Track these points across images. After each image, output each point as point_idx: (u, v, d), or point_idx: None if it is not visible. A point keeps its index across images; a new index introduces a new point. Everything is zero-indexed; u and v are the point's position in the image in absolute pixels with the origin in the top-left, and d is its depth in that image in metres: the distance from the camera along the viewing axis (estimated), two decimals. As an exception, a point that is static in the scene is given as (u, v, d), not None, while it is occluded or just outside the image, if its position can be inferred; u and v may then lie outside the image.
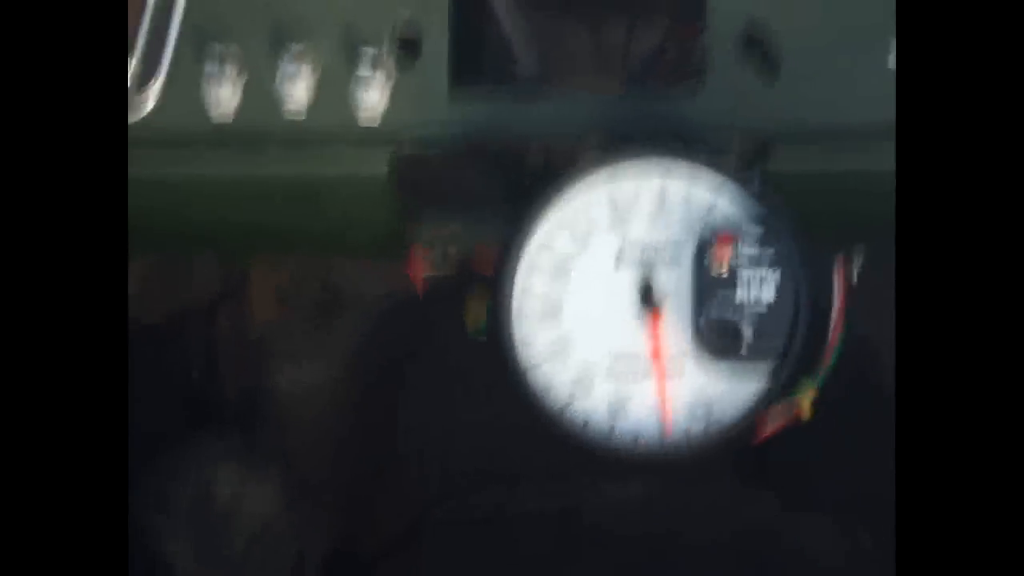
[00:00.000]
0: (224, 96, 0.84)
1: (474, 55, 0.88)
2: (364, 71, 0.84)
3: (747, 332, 0.81)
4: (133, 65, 0.84)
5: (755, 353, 0.81)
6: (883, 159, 0.83)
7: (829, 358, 0.89)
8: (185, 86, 0.84)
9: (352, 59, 0.84)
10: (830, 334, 0.90)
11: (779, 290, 0.81)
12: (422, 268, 0.93)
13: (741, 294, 0.81)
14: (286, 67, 0.84)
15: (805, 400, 0.88)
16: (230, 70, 0.84)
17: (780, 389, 0.83)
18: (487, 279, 0.83)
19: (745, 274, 0.81)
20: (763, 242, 0.81)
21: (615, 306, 0.82)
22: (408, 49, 0.85)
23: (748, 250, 0.81)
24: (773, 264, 0.81)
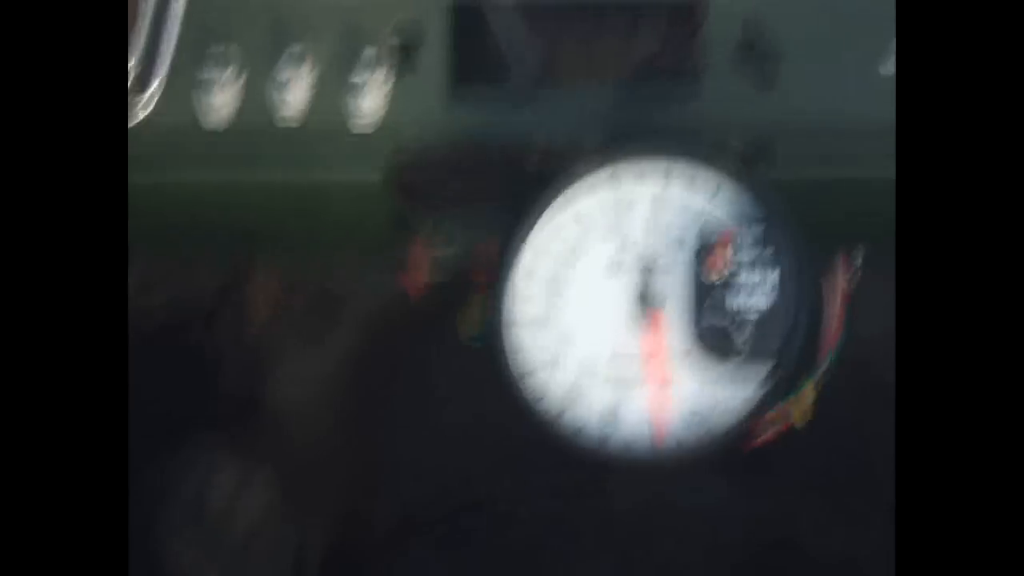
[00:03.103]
0: (222, 100, 0.84)
1: (472, 57, 0.87)
2: (363, 74, 0.84)
3: (744, 336, 0.81)
4: (132, 69, 0.84)
5: (751, 357, 0.81)
6: (880, 161, 0.83)
7: (825, 362, 0.89)
8: (183, 90, 0.84)
9: (351, 62, 0.84)
10: (827, 338, 0.90)
11: (776, 294, 0.81)
12: (419, 272, 0.93)
13: (738, 298, 0.81)
14: (285, 71, 0.83)
15: (800, 405, 0.88)
16: (229, 74, 0.83)
17: (775, 394, 0.82)
18: (483, 284, 0.83)
19: (742, 278, 0.81)
20: (760, 245, 0.81)
21: (612, 310, 0.82)
22: (407, 52, 0.85)
23: (745, 253, 0.81)
24: (770, 267, 0.81)
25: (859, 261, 0.91)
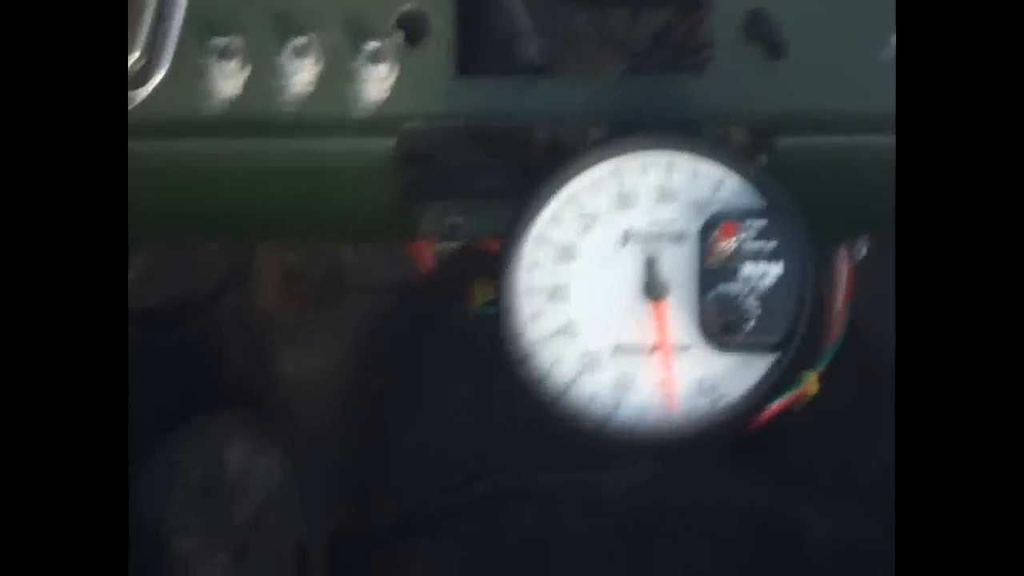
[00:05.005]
0: (228, 80, 0.84)
1: (479, 39, 0.87)
2: (369, 55, 0.83)
3: (752, 318, 0.80)
4: (136, 48, 0.84)
5: (760, 340, 0.81)
6: (890, 144, 0.82)
7: (833, 343, 0.90)
8: (188, 70, 0.84)
9: (357, 43, 0.84)
10: (834, 320, 0.90)
11: (784, 276, 0.80)
12: (427, 252, 0.93)
13: (745, 280, 0.80)
14: (291, 50, 0.83)
15: (808, 385, 0.88)
16: (234, 54, 0.83)
17: (784, 375, 0.82)
18: (491, 263, 0.83)
19: (749, 260, 0.81)
20: (767, 228, 0.81)
21: (618, 292, 0.82)
22: (413, 33, 0.85)
23: (752, 236, 0.81)
24: (778, 250, 0.80)
25: (864, 248, 0.91)
